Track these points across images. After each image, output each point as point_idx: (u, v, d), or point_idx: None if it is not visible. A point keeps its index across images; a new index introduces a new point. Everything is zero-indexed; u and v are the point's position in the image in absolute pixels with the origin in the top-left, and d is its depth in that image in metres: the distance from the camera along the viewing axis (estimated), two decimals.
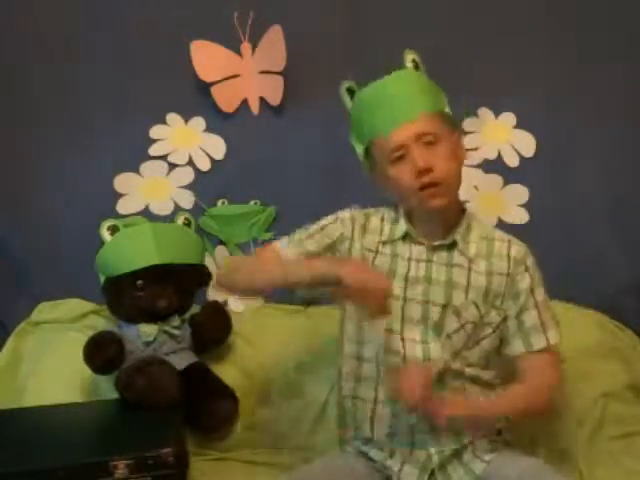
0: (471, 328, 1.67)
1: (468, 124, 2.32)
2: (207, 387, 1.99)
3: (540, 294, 1.71)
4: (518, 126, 2.32)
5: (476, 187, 2.32)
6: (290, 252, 1.70)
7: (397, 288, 1.68)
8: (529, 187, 2.31)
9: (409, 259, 1.70)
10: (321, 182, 2.29)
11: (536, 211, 2.30)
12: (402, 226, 1.72)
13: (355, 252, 1.72)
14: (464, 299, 1.67)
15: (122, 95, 2.28)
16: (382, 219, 1.76)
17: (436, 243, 1.69)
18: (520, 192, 2.31)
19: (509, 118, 2.33)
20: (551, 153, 2.31)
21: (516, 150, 2.32)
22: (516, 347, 1.69)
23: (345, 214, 1.76)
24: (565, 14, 2.30)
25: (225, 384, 2.03)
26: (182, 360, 2.01)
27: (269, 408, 2.03)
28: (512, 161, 2.31)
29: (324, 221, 1.76)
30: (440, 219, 1.69)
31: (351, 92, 1.73)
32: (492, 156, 2.32)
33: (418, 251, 1.70)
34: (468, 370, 1.67)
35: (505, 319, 1.69)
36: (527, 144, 2.31)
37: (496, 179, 2.32)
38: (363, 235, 1.74)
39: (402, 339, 1.67)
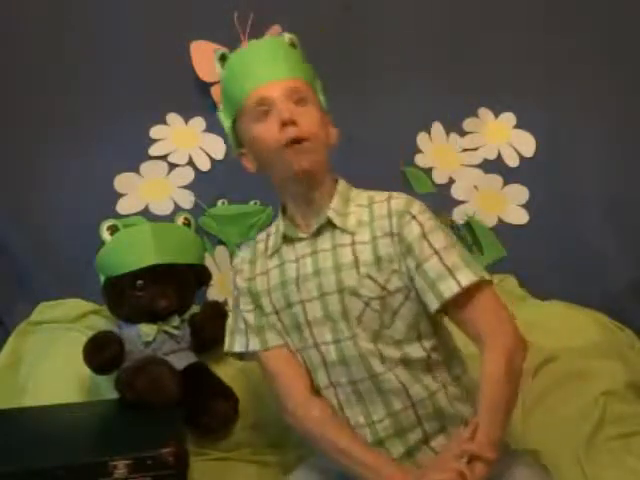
0: (378, 303, 1.54)
1: (468, 124, 2.32)
2: (207, 387, 1.99)
3: (438, 240, 1.54)
4: (518, 126, 2.32)
5: (476, 187, 2.32)
6: (257, 343, 1.64)
7: (292, 294, 1.60)
8: (529, 187, 2.31)
9: (296, 259, 1.61)
10: None
11: (536, 211, 2.30)
12: (280, 229, 1.64)
13: (254, 286, 1.66)
14: (357, 276, 1.55)
15: (122, 95, 2.28)
16: (267, 233, 1.70)
17: (314, 228, 1.59)
18: (520, 192, 2.31)
19: (509, 118, 2.33)
20: (551, 153, 2.31)
21: (516, 150, 2.32)
22: (431, 303, 1.52)
23: (236, 261, 1.72)
24: (565, 14, 2.30)
25: (225, 384, 2.02)
26: (182, 360, 2.01)
27: (269, 408, 2.03)
28: (512, 161, 2.32)
29: (232, 283, 1.71)
30: (308, 187, 1.59)
31: (224, 59, 1.67)
32: (492, 156, 2.32)
33: (301, 247, 1.61)
34: (390, 353, 1.54)
35: (412, 280, 1.55)
36: (527, 144, 2.32)
37: (496, 179, 2.32)
38: (252, 267, 1.68)
39: (316, 345, 1.59)
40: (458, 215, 2.31)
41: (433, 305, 1.53)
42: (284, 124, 1.54)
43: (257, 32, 2.25)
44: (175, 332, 2.03)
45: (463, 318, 1.55)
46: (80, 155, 2.28)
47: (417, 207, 1.59)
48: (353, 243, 1.58)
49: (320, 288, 1.58)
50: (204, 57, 2.27)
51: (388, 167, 2.27)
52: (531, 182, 2.31)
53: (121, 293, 2.01)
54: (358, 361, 1.56)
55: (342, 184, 1.65)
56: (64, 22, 2.28)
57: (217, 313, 2.12)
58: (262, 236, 1.72)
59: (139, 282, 1.99)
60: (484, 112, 2.33)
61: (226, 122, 1.67)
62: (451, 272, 1.52)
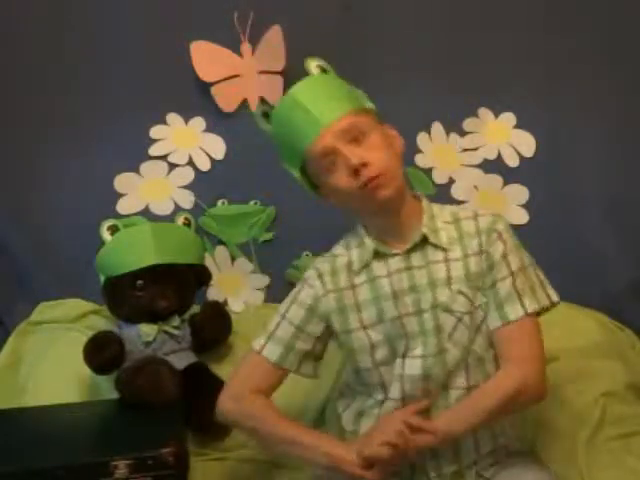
0: (468, 318, 1.59)
1: (468, 124, 2.32)
2: (207, 387, 1.99)
3: (515, 260, 1.60)
4: (518, 126, 2.32)
5: (476, 187, 2.32)
6: (275, 354, 1.66)
7: (389, 310, 1.61)
8: (529, 187, 2.30)
9: (389, 274, 1.62)
10: None
11: (536, 211, 2.30)
12: (369, 245, 1.63)
13: (331, 302, 1.64)
14: (449, 292, 1.59)
15: (122, 95, 2.27)
16: (347, 247, 1.68)
17: (408, 246, 1.61)
18: (520, 192, 2.31)
19: (509, 118, 2.32)
20: (551, 153, 2.30)
21: (516, 150, 2.32)
22: (492, 320, 1.59)
23: (311, 272, 1.69)
24: (565, 14, 2.30)
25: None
26: (182, 360, 2.01)
27: None
28: (512, 161, 2.31)
29: (295, 290, 1.70)
30: (394, 213, 1.61)
31: (267, 116, 1.68)
32: (492, 156, 2.32)
33: (395, 262, 1.62)
34: (476, 370, 1.60)
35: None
36: (527, 144, 2.31)
37: (496, 179, 2.32)
38: (333, 280, 1.66)
39: (404, 356, 1.60)
40: None
41: (495, 323, 1.59)
42: (355, 171, 1.53)
43: (257, 32, 2.25)
44: (175, 332, 2.03)
45: (502, 337, 1.60)
46: (80, 155, 2.28)
47: (502, 224, 1.64)
48: (446, 260, 1.61)
49: (417, 304, 1.60)
50: (204, 57, 2.26)
51: None
52: (531, 182, 2.30)
53: (121, 293, 2.01)
54: (439, 376, 1.58)
55: (425, 201, 1.67)
56: (64, 22, 2.27)
57: (217, 313, 2.13)
58: (340, 250, 1.70)
59: (139, 282, 1.99)
60: (484, 112, 2.32)
61: (294, 171, 1.67)
62: (520, 296, 1.59)
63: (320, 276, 1.68)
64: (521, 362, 1.58)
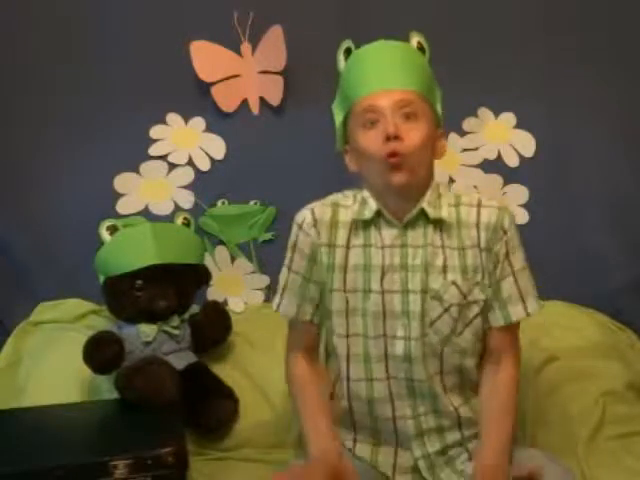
0: (456, 311, 1.58)
1: (468, 124, 2.32)
2: (207, 387, 1.99)
3: (517, 259, 1.61)
4: (518, 126, 2.32)
5: (476, 187, 2.32)
6: (291, 309, 1.68)
7: (374, 282, 1.59)
8: (529, 187, 2.31)
9: (382, 247, 1.60)
10: (321, 182, 2.28)
11: (536, 211, 2.30)
12: (372, 205, 1.60)
13: (323, 255, 1.63)
14: (442, 281, 1.58)
15: (122, 95, 2.27)
16: (354, 199, 1.64)
17: (406, 219, 1.58)
18: (520, 192, 2.31)
19: (509, 118, 2.33)
20: (551, 153, 2.31)
21: (516, 150, 2.32)
22: (495, 318, 1.62)
23: (307, 218, 1.65)
24: (565, 14, 2.30)
25: (225, 384, 2.03)
26: (182, 360, 2.01)
27: (269, 408, 2.03)
28: (512, 161, 2.31)
29: (293, 238, 1.67)
30: (404, 196, 1.58)
31: (348, 53, 1.66)
32: (492, 156, 2.32)
33: (390, 235, 1.59)
34: (454, 359, 1.62)
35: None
36: (527, 144, 2.31)
37: (496, 179, 2.32)
38: (330, 233, 1.63)
39: (384, 336, 1.60)
40: None
41: (498, 322, 1.62)
42: (388, 138, 1.53)
43: (257, 32, 2.25)
44: (175, 332, 2.03)
45: (499, 334, 1.64)
46: (80, 155, 2.28)
47: (508, 219, 1.61)
48: (443, 246, 1.59)
49: (404, 283, 1.59)
50: (204, 57, 2.26)
51: None
52: (531, 182, 2.31)
53: (121, 293, 2.01)
54: (420, 361, 1.60)
55: (436, 182, 1.64)
56: (64, 22, 2.27)
57: (217, 313, 2.13)
58: (344, 200, 1.65)
59: (138, 282, 1.99)
60: (484, 112, 2.33)
61: (338, 116, 1.66)
62: (522, 297, 1.62)
63: (316, 225, 1.64)
64: (511, 356, 1.65)
